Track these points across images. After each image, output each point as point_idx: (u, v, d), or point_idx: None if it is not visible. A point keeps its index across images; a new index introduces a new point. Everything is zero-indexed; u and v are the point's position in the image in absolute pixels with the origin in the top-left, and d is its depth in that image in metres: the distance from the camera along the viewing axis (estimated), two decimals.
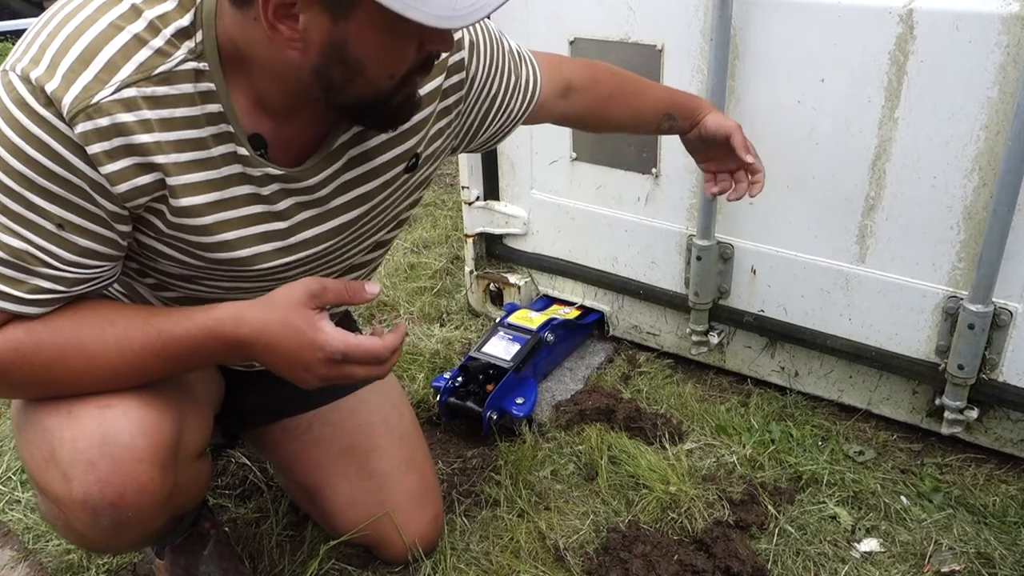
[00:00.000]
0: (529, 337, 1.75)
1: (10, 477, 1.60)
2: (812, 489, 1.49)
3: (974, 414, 1.49)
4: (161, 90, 0.88)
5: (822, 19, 1.40)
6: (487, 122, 1.22)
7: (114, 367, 0.94)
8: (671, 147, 1.66)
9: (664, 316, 1.86)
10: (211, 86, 0.91)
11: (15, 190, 0.86)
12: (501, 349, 1.73)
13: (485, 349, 1.73)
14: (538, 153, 1.87)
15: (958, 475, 1.52)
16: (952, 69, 1.31)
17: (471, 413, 1.64)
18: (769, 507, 1.43)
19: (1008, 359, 1.43)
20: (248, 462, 1.61)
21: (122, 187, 0.88)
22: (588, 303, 1.96)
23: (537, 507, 1.47)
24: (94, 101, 0.84)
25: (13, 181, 0.85)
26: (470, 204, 2.01)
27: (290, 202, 1.03)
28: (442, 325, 2.11)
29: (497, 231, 2.02)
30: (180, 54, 0.88)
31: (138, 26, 0.87)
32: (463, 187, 2.00)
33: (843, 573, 1.32)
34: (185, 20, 0.89)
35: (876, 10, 1.35)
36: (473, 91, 1.16)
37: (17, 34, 5.89)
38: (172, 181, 0.92)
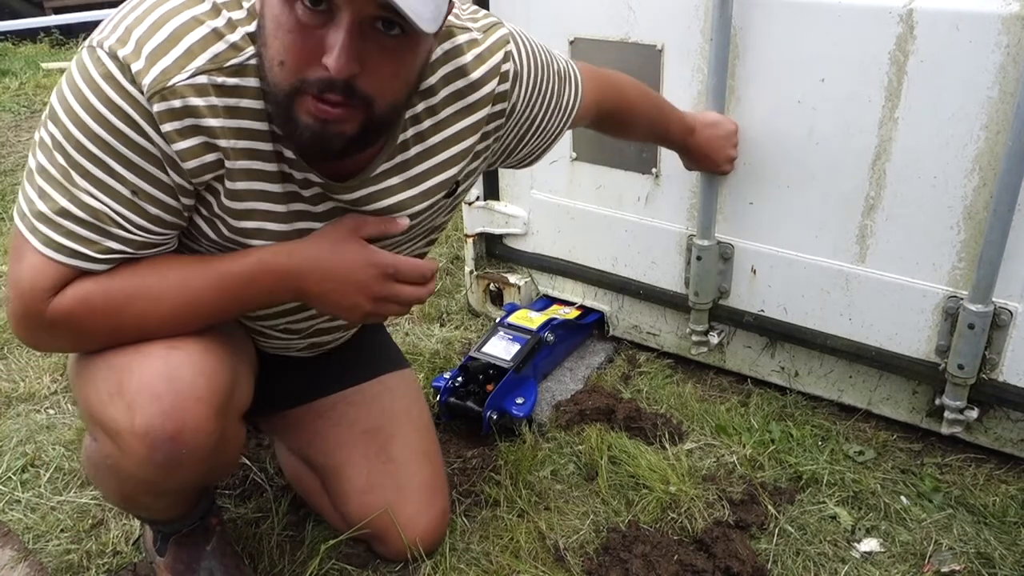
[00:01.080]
0: (529, 337, 1.75)
1: (10, 477, 1.60)
2: (812, 489, 1.49)
3: (974, 414, 1.49)
4: (231, 80, 0.94)
5: (822, 19, 1.40)
6: (524, 141, 1.26)
7: (175, 308, 1.00)
8: None
9: (664, 316, 1.86)
10: None
11: (98, 156, 0.92)
12: (501, 349, 1.73)
13: (485, 349, 1.73)
14: None
15: (958, 475, 1.52)
16: (952, 69, 1.31)
17: (471, 413, 1.64)
18: (769, 507, 1.43)
19: (1008, 359, 1.43)
20: (248, 462, 1.61)
21: (191, 163, 0.95)
22: (588, 303, 1.96)
23: (537, 507, 1.47)
24: (170, 84, 0.91)
25: (97, 147, 0.92)
26: (470, 204, 2.01)
27: (330, 205, 1.08)
28: (442, 325, 2.11)
29: (497, 231, 2.02)
30: (251, 50, 0.94)
31: (218, 22, 0.93)
32: None
33: (843, 573, 1.32)
34: (253, 26, 0.94)
35: (876, 10, 1.35)
36: (514, 116, 1.19)
37: (17, 34, 5.89)
38: (229, 164, 0.98)
